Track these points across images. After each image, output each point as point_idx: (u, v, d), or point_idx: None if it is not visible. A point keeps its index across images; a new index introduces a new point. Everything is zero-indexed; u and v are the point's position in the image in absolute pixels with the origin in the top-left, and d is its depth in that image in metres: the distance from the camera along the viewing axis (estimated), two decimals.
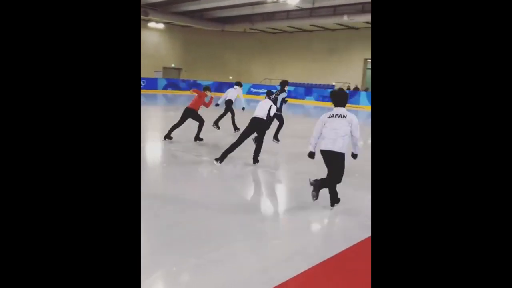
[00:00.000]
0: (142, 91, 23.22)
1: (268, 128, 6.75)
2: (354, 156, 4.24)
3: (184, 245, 3.17)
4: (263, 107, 6.59)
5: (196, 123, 8.15)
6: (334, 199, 4.20)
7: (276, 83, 28.63)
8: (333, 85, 27.31)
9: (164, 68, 30.52)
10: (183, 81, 29.98)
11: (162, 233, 3.42)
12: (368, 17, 22.37)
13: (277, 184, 5.83)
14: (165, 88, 27.83)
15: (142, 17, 23.48)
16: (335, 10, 23.19)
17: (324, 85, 27.61)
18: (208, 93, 8.36)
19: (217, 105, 9.85)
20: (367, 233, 3.49)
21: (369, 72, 29.26)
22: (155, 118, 13.36)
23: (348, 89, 26.00)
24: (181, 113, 8.00)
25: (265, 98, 7.03)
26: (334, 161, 3.96)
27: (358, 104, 23.66)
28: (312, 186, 4.08)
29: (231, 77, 31.23)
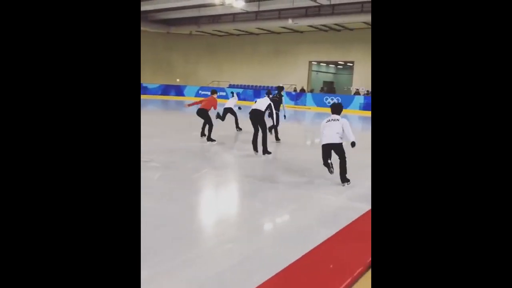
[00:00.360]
0: None
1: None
2: (352, 144, 5.13)
3: None
4: (262, 103, 7.11)
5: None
6: (344, 179, 5.26)
7: (225, 85, 28.67)
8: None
9: None
10: None
11: None
12: (311, 21, 23.14)
13: (234, 182, 5.88)
14: None
15: None
16: (280, 14, 23.72)
17: (272, 87, 28.06)
18: (215, 96, 8.68)
19: (239, 108, 10.44)
20: (326, 234, 3.36)
21: (313, 74, 30.23)
22: None
23: (295, 91, 26.69)
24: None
25: (265, 96, 7.64)
26: (337, 150, 5.30)
27: (305, 105, 24.36)
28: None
29: (178, 80, 30.72)
